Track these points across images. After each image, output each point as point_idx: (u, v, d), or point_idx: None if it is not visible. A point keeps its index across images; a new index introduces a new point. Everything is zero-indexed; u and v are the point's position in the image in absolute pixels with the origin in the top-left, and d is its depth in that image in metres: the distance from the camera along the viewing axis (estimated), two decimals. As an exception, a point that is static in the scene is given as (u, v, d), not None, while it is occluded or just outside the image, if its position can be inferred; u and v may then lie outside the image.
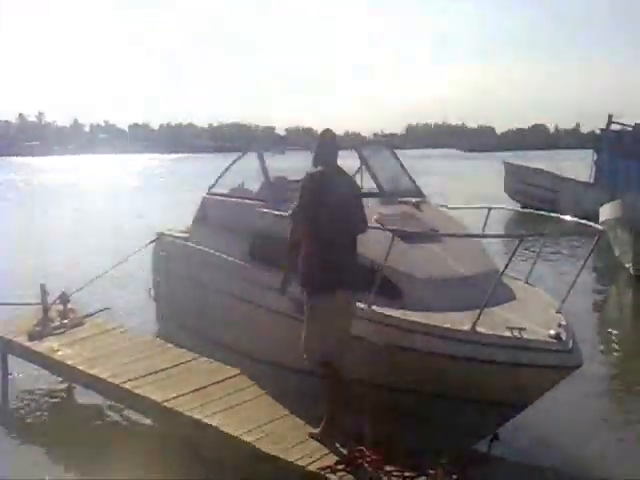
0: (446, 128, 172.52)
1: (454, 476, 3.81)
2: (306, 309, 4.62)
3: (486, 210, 6.60)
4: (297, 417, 5.03)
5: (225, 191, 7.31)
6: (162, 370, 6.00)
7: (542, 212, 6.52)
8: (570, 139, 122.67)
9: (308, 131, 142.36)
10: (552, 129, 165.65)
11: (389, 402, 4.72)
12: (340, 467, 4.25)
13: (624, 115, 22.47)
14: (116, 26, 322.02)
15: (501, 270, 4.84)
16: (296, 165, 6.92)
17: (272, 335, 5.76)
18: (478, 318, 4.36)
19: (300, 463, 4.37)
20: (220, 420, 5.03)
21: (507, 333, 4.36)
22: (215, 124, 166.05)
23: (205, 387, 5.61)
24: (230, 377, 5.80)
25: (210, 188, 7.44)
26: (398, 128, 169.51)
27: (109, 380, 5.80)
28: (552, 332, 4.32)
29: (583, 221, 5.31)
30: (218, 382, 5.71)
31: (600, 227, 5.15)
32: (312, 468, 4.30)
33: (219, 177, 7.38)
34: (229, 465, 4.97)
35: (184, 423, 5.18)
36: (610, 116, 22.04)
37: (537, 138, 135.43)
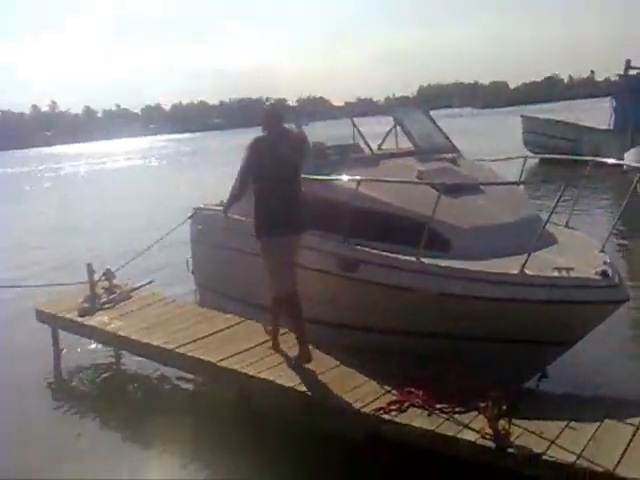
0: (459, 86, 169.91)
1: (504, 407, 4.04)
2: (260, 254, 5.52)
3: (521, 160, 6.76)
4: (344, 368, 5.30)
5: None
6: (211, 334, 6.29)
7: (579, 157, 6.60)
8: (585, 89, 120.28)
9: (320, 100, 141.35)
10: (566, 79, 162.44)
11: (440, 348, 4.97)
12: (393, 407, 4.51)
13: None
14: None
15: (547, 216, 5.01)
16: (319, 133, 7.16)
17: (317, 294, 5.97)
18: (526, 262, 4.57)
19: (355, 406, 4.64)
20: (272, 374, 5.31)
21: (555, 273, 4.57)
22: (227, 100, 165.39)
23: (254, 347, 5.90)
24: (276, 337, 6.05)
25: None
26: (409, 90, 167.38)
27: (163, 346, 6.11)
28: (598, 269, 4.55)
29: (623, 162, 5.45)
30: (267, 341, 5.99)
31: None
32: (366, 410, 4.57)
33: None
34: (282, 416, 5.29)
35: (239, 380, 5.47)
36: (628, 61, 21.70)
37: (551, 90, 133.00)
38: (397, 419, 4.43)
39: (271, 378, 5.25)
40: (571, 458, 3.75)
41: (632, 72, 21.90)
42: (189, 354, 5.89)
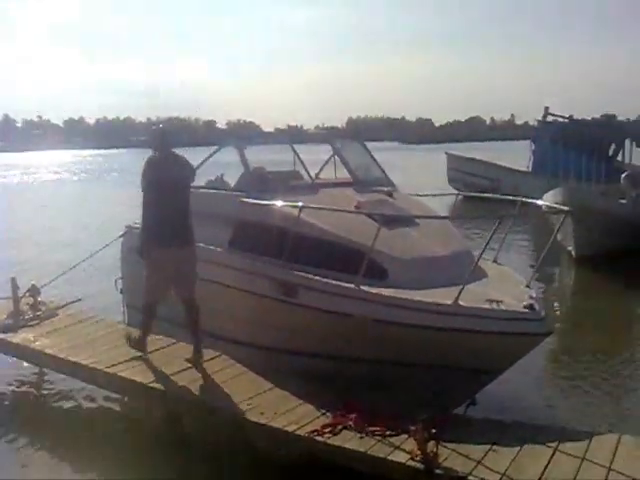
0: (386, 121, 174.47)
1: (433, 430, 4.24)
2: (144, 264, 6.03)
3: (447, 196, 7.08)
4: (281, 390, 5.38)
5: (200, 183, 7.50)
6: (141, 355, 6.24)
7: (509, 197, 6.94)
8: (506, 131, 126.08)
9: (250, 124, 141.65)
10: (488, 121, 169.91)
11: (375, 373, 5.14)
12: (326, 430, 4.64)
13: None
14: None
15: (479, 250, 5.30)
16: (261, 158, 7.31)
17: (257, 318, 6.04)
18: (460, 293, 4.82)
19: (289, 428, 4.73)
20: (204, 395, 5.34)
21: (486, 305, 4.85)
22: (154, 118, 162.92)
23: (187, 369, 5.88)
24: (211, 358, 6.08)
25: None
26: (338, 121, 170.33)
27: (92, 366, 6.00)
28: (526, 303, 4.86)
29: (551, 204, 5.85)
30: (200, 363, 5.98)
31: (566, 208, 5.56)
32: (300, 432, 4.66)
33: (195, 170, 7.52)
34: (214, 439, 5.29)
35: (170, 401, 5.47)
36: (546, 108, 23.09)
37: (474, 130, 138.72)
38: (330, 441, 4.55)
39: (203, 399, 5.28)
40: (494, 479, 3.97)
41: (550, 118, 23.29)
42: (119, 374, 5.81)
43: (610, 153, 21.80)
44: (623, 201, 13.95)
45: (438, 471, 4.10)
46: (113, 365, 5.95)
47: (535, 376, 6.96)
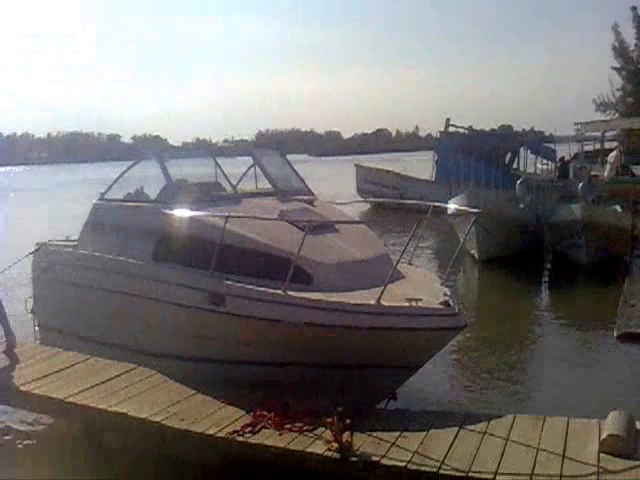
0: (295, 134, 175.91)
1: (347, 421, 4.52)
2: None
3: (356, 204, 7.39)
4: (200, 396, 5.50)
5: (118, 197, 7.44)
6: (58, 371, 6.20)
7: (421, 202, 7.33)
8: (410, 142, 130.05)
9: (157, 139, 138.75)
10: (394, 133, 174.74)
11: (300, 376, 5.34)
12: (246, 430, 4.81)
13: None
14: None
15: (399, 253, 5.62)
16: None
17: (184, 329, 6.06)
18: (382, 293, 5.11)
19: (209, 432, 4.87)
20: (124, 407, 5.35)
21: (407, 304, 5.16)
22: (54, 133, 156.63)
23: (105, 382, 5.90)
24: (128, 370, 6.12)
25: (103, 195, 7.48)
26: (247, 134, 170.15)
27: (4, 384, 5.91)
28: (442, 300, 5.24)
29: (462, 207, 6.27)
30: (117, 376, 6.01)
31: (476, 210, 5.92)
32: (221, 434, 4.82)
33: (112, 184, 7.45)
34: (137, 450, 5.34)
35: (90, 415, 5.45)
36: (448, 120, 24.25)
37: (380, 142, 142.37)
38: (250, 440, 4.73)
39: (124, 410, 5.30)
40: (404, 462, 4.30)
41: (451, 129, 24.46)
42: (34, 392, 5.76)
43: (506, 161, 23.12)
44: (521, 206, 14.90)
45: (353, 458, 4.37)
46: (27, 382, 5.89)
47: (443, 369, 7.44)
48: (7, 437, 6.14)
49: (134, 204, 7.18)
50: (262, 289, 5.49)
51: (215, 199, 6.78)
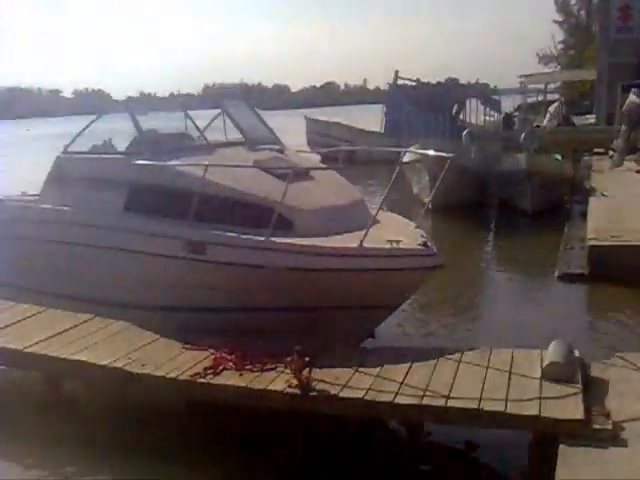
0: (243, 87, 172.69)
1: (307, 359, 4.71)
2: None
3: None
4: (162, 341, 5.60)
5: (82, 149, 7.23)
6: (14, 323, 6.18)
7: (395, 149, 7.47)
8: (359, 95, 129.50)
9: (98, 93, 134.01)
10: (343, 86, 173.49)
11: (285, 320, 5.46)
12: (208, 372, 4.95)
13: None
14: None
15: (380, 199, 5.80)
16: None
17: (158, 279, 6.05)
18: (365, 236, 5.26)
19: (171, 375, 4.98)
20: (84, 355, 5.40)
21: (388, 246, 5.32)
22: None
23: (63, 332, 5.92)
24: (86, 321, 6.15)
25: (66, 147, 7.24)
26: (193, 88, 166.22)
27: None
28: (420, 241, 5.44)
29: (437, 153, 6.40)
30: (76, 326, 6.04)
31: (449, 155, 5.98)
32: (183, 377, 4.94)
33: (76, 137, 7.20)
34: (99, 398, 5.41)
35: (49, 364, 5.48)
36: (396, 72, 24.25)
37: (329, 95, 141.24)
38: (212, 381, 4.88)
39: (84, 358, 5.35)
40: (361, 394, 4.53)
41: (400, 82, 24.51)
42: (-8, 343, 5.74)
43: (454, 113, 23.41)
44: (472, 156, 15.19)
45: (313, 393, 4.58)
46: (-16, 335, 5.85)
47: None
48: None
49: (102, 156, 7.04)
50: (245, 236, 5.55)
51: (187, 149, 6.75)
